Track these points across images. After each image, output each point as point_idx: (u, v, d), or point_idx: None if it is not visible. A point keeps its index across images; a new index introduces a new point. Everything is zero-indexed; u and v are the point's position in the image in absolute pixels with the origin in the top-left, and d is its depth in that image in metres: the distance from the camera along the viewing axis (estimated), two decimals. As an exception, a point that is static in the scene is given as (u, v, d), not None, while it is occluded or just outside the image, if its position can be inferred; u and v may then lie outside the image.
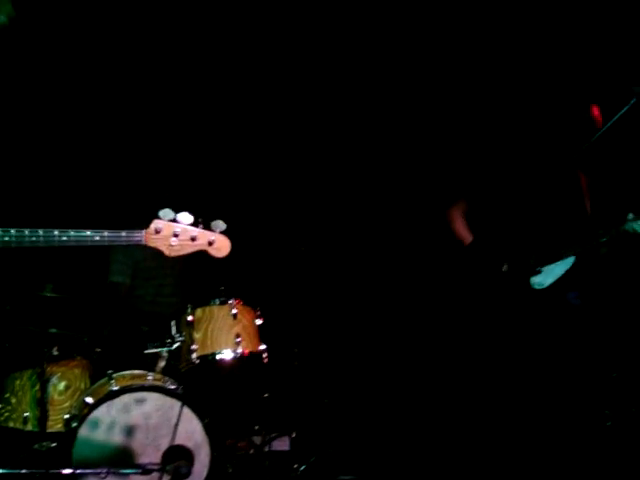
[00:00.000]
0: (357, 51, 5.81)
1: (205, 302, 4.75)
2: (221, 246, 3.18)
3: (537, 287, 4.17)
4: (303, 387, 5.44)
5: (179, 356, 4.69)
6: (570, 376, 4.07)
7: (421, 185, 5.93)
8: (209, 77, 5.81)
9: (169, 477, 4.08)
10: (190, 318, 4.68)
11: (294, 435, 5.13)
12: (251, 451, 5.12)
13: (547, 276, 4.14)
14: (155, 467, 4.04)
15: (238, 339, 4.60)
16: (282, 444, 5.22)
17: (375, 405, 5.65)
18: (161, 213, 3.10)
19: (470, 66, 5.71)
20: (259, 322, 4.81)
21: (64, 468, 3.93)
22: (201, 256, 5.22)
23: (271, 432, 5.16)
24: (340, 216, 5.97)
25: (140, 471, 4.00)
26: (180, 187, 5.35)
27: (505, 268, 4.27)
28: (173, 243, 3.11)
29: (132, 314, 5.23)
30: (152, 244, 3.12)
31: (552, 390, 4.13)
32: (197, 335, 4.63)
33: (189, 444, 4.19)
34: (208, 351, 4.59)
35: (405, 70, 5.85)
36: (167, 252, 3.14)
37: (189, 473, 4.08)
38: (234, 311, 4.67)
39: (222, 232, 3.18)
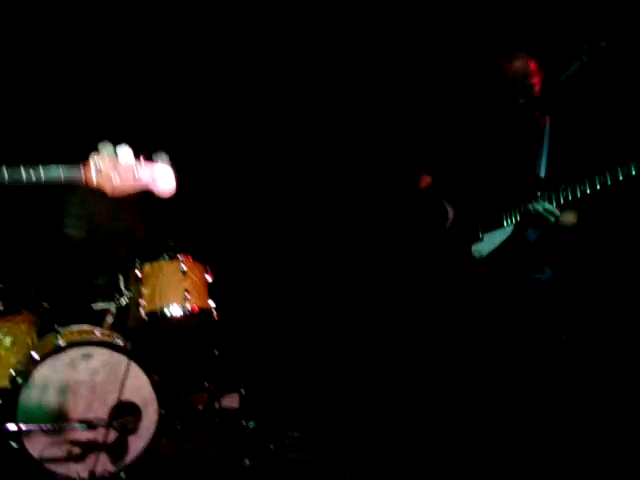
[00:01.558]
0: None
1: (154, 257, 4.70)
2: (165, 181, 3.01)
3: (476, 256, 3.96)
4: (253, 344, 5.44)
5: (127, 312, 4.65)
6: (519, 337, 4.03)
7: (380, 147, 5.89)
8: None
9: (116, 433, 4.08)
10: (138, 273, 4.63)
11: (243, 392, 5.14)
12: (200, 408, 5.12)
13: (487, 244, 3.94)
14: (101, 423, 4.03)
15: (187, 295, 4.56)
16: (231, 401, 5.22)
17: (323, 361, 5.67)
18: (101, 148, 2.92)
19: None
20: (209, 278, 4.77)
21: (9, 424, 3.91)
22: (151, 211, 5.25)
23: (220, 389, 5.16)
24: (292, 171, 5.91)
25: (86, 427, 3.98)
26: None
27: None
28: (116, 181, 2.92)
29: (83, 269, 5.17)
30: (93, 184, 2.91)
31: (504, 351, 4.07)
32: (145, 290, 4.58)
33: (137, 400, 4.17)
34: (156, 307, 4.54)
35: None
36: (110, 191, 2.95)
37: (135, 429, 4.08)
38: (183, 267, 4.63)
39: (165, 165, 3.01)
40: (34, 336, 4.55)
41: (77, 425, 3.99)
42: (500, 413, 4.05)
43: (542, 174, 3.90)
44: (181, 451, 4.58)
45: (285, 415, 5.11)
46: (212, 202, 5.68)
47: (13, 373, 4.28)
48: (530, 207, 3.74)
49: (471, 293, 4.01)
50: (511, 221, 3.86)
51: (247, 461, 4.42)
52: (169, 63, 5.74)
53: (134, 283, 4.64)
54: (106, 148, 2.92)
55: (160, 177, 2.97)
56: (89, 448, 4.07)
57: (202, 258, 4.82)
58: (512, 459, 4.01)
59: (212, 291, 4.77)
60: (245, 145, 5.86)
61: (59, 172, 2.87)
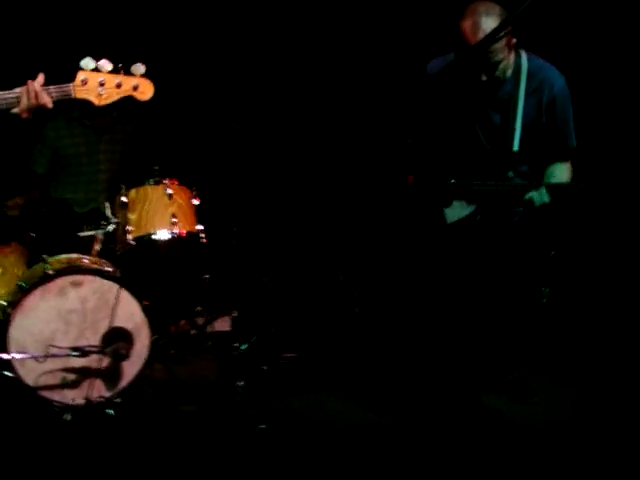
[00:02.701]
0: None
1: (139, 182, 4.64)
2: (145, 89, 3.20)
3: (447, 220, 3.88)
4: (243, 266, 5.44)
5: (114, 238, 4.61)
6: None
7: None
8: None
9: (109, 359, 4.09)
10: (124, 199, 4.57)
11: (235, 315, 5.15)
12: (192, 332, 5.14)
13: (454, 212, 3.85)
14: (94, 349, 4.03)
15: (174, 219, 4.51)
16: (223, 324, 5.23)
17: (313, 283, 5.68)
18: (82, 63, 3.09)
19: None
20: (196, 202, 4.72)
21: (1, 354, 3.91)
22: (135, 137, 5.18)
23: (212, 313, 5.17)
24: (277, 94, 5.82)
25: (79, 354, 3.98)
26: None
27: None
28: (101, 92, 3.13)
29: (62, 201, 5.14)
30: (81, 96, 3.12)
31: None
32: (132, 216, 4.53)
33: (128, 326, 4.17)
34: (144, 232, 4.50)
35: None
36: (97, 102, 3.15)
37: (128, 354, 4.09)
38: (169, 191, 4.57)
39: (143, 75, 3.20)
40: (24, 267, 4.52)
41: (70, 352, 3.98)
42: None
43: (516, 147, 3.76)
44: (175, 375, 4.61)
45: (277, 337, 5.13)
46: (196, 125, 5.61)
47: (3, 303, 4.27)
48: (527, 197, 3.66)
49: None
50: (476, 198, 3.79)
51: (240, 382, 4.44)
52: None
53: (120, 209, 4.59)
54: (87, 63, 3.09)
55: (140, 87, 3.19)
56: (83, 375, 4.08)
57: (188, 182, 4.76)
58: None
59: (200, 214, 4.74)
60: (228, 66, 5.74)
61: (52, 89, 3.07)
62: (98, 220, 4.68)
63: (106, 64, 3.12)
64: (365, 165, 5.51)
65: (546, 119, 3.78)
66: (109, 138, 5.18)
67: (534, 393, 4.30)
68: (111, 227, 4.58)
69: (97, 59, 3.12)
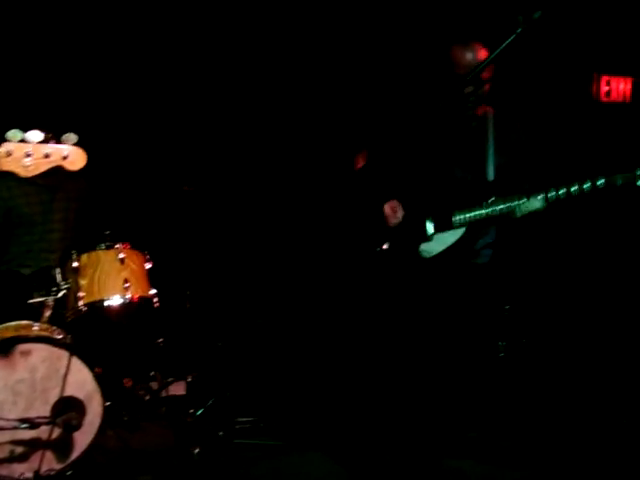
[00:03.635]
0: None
1: (90, 247, 4.58)
2: (76, 158, 3.15)
3: (425, 255, 3.97)
4: (197, 330, 5.37)
5: (66, 304, 4.53)
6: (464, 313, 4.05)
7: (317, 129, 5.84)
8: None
9: (59, 429, 3.97)
10: (75, 264, 4.50)
11: (190, 379, 5.06)
12: (147, 397, 5.04)
13: (437, 244, 3.95)
14: (43, 420, 3.91)
15: (127, 284, 4.46)
16: (178, 389, 5.15)
17: (269, 346, 5.63)
18: (9, 135, 3.03)
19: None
20: (148, 266, 4.68)
21: (-55, 426, 3.78)
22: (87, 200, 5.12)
23: (166, 377, 5.08)
24: (227, 154, 5.83)
25: (28, 425, 3.86)
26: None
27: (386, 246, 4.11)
28: (27, 163, 3.07)
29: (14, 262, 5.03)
30: (6, 168, 3.05)
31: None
32: (83, 282, 4.46)
33: (80, 395, 4.06)
34: (95, 298, 4.44)
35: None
36: (23, 173, 3.09)
37: (80, 424, 3.98)
38: (121, 255, 4.52)
39: (75, 144, 3.15)
40: (-31, 334, 4.40)
41: (18, 424, 3.86)
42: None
43: (490, 177, 3.91)
44: (128, 443, 4.50)
45: (233, 401, 5.06)
46: (147, 188, 5.58)
47: (-52, 373, 4.14)
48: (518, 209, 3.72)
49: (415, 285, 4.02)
50: (463, 223, 3.87)
51: (196, 449, 4.35)
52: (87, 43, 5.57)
53: (71, 274, 4.51)
54: (14, 135, 3.04)
55: (70, 157, 3.14)
56: (33, 447, 3.95)
57: (140, 245, 4.71)
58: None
59: (152, 278, 4.68)
60: (178, 129, 5.75)
61: None
62: (48, 286, 4.58)
63: (35, 135, 3.07)
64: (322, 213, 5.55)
65: (515, 152, 3.96)
66: (63, 196, 5.10)
67: (497, 451, 4.27)
68: (61, 293, 4.49)
69: (27, 129, 3.07)
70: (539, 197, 3.70)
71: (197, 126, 5.78)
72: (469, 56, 3.87)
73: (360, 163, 4.26)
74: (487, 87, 3.94)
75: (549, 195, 3.69)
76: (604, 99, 5.65)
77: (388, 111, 4.44)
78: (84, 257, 4.54)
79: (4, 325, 4.21)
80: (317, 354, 5.51)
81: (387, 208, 4.11)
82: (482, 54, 3.87)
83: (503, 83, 4.13)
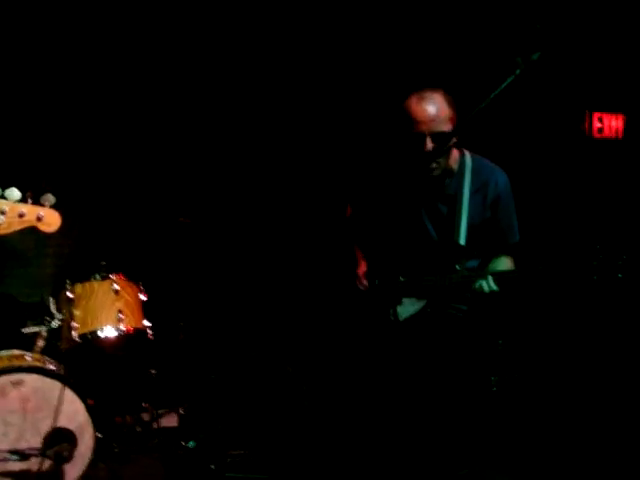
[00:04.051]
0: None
1: (85, 278, 4.59)
2: (50, 221, 3.12)
3: (399, 318, 3.86)
4: (190, 362, 5.36)
5: (59, 335, 4.52)
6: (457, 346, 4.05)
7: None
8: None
9: (50, 461, 3.95)
10: (70, 295, 4.51)
11: (182, 411, 5.05)
12: (139, 429, 5.02)
13: (406, 308, 3.85)
14: (34, 452, 3.90)
15: (121, 315, 4.47)
16: (170, 420, 5.13)
17: (262, 379, 5.61)
18: None
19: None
20: (143, 297, 4.68)
21: None
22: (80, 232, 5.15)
23: (159, 409, 5.06)
24: (222, 187, 5.86)
25: (18, 457, 3.85)
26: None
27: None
28: (0, 221, 3.02)
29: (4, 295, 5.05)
30: None
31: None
32: (77, 312, 4.47)
33: (71, 426, 4.05)
34: (89, 329, 4.44)
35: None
36: None
37: (71, 456, 3.97)
38: (116, 286, 4.53)
39: (52, 206, 3.12)
40: (-38, 363, 4.39)
41: (8, 455, 3.84)
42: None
43: (462, 241, 3.77)
44: (119, 475, 4.47)
45: (225, 434, 5.03)
46: (142, 219, 5.60)
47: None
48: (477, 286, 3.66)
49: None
50: (426, 292, 3.79)
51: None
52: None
53: (65, 305, 4.52)
54: None
55: (45, 218, 3.10)
56: (23, 479, 3.93)
57: (135, 277, 4.72)
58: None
59: (146, 309, 4.68)
60: (174, 162, 5.78)
61: None
62: (42, 316, 4.58)
63: (13, 193, 3.04)
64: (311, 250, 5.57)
65: (490, 215, 3.83)
66: (58, 233, 5.12)
67: None
68: (55, 323, 4.49)
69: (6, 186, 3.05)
70: (490, 279, 3.67)
71: (193, 159, 5.81)
72: (427, 112, 3.53)
73: (349, 211, 4.23)
74: (454, 141, 3.63)
75: (500, 277, 3.67)
76: (596, 135, 5.69)
77: (367, 165, 4.29)
78: (78, 287, 4.55)
79: (-4, 354, 4.21)
80: (309, 389, 5.49)
81: (360, 273, 4.05)
82: (443, 107, 3.57)
83: (486, 125, 4.06)
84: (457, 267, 3.79)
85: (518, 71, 3.55)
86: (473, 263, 3.91)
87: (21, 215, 3.05)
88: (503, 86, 3.56)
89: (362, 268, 4.09)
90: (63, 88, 5.49)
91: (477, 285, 3.65)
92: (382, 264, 3.99)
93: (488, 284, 3.64)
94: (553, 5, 5.19)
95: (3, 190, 3.03)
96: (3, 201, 3.03)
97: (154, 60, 5.63)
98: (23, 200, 3.06)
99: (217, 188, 5.82)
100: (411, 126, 3.55)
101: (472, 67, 4.49)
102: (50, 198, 3.09)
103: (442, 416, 4.06)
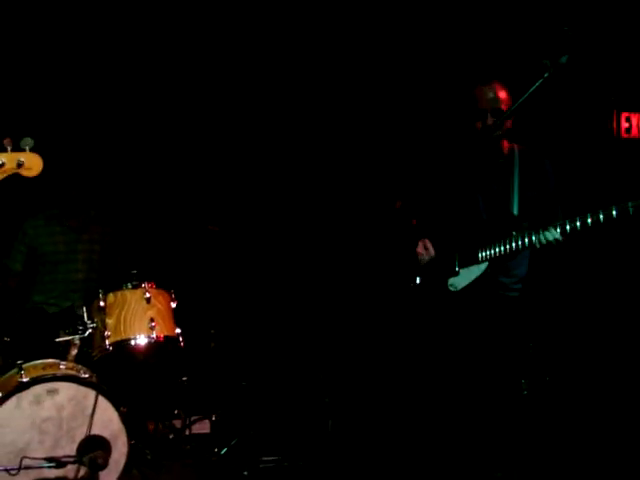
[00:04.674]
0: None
1: (117, 286, 4.61)
2: (32, 164, 3.04)
3: (451, 289, 4.07)
4: (221, 369, 5.38)
5: (92, 343, 4.55)
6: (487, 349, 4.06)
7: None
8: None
9: (85, 468, 3.98)
10: (102, 303, 4.54)
11: (214, 418, 5.07)
12: (171, 436, 5.04)
13: (462, 278, 4.04)
14: (70, 459, 3.93)
15: (152, 323, 4.48)
16: (202, 427, 5.15)
17: (293, 384, 5.62)
18: None
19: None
20: (174, 305, 4.70)
21: (-27, 466, 3.80)
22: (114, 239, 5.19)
23: (191, 415, 5.09)
24: (252, 194, 5.89)
25: (54, 464, 3.88)
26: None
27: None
28: None
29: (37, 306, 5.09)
30: None
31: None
32: (110, 321, 4.50)
33: (105, 433, 4.07)
34: (122, 337, 4.46)
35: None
36: None
37: (105, 463, 3.99)
38: (147, 295, 4.55)
39: (31, 150, 3.05)
40: (-4, 373, 4.45)
41: (45, 463, 3.88)
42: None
43: (515, 211, 3.99)
44: (153, 481, 4.51)
45: (258, 440, 5.05)
46: (172, 228, 5.63)
47: (-25, 412, 4.18)
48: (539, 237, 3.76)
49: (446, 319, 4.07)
50: (486, 258, 3.94)
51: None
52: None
53: (98, 313, 4.55)
54: None
55: (26, 163, 3.02)
56: (59, 486, 3.98)
57: (166, 285, 4.75)
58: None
59: (177, 317, 4.70)
60: (202, 169, 5.82)
61: None
62: (75, 325, 4.61)
63: None
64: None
65: (538, 192, 4.04)
66: (87, 238, 5.19)
67: None
68: (88, 332, 4.52)
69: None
70: (557, 229, 3.74)
71: (221, 167, 5.84)
72: (490, 94, 4.04)
73: (398, 204, 4.38)
74: (509, 123, 4.03)
75: (566, 227, 3.73)
76: (624, 135, 5.68)
77: (419, 153, 4.55)
78: (110, 296, 4.58)
79: (31, 363, 4.25)
80: (343, 393, 5.49)
81: (419, 246, 4.22)
82: (502, 92, 4.05)
83: (527, 121, 4.21)
84: (514, 234, 3.90)
85: (547, 74, 3.63)
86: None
87: (1, 165, 2.98)
88: (532, 89, 3.68)
89: (424, 242, 4.25)
90: (95, 101, 5.57)
91: (542, 237, 3.74)
92: (440, 240, 4.18)
93: (552, 234, 3.73)
94: (581, 7, 5.19)
95: None
96: None
97: (188, 73, 5.70)
98: (2, 150, 2.99)
99: (245, 195, 5.84)
100: (476, 104, 4.05)
101: (502, 70, 4.57)
102: (29, 141, 3.02)
103: (476, 415, 4.09)
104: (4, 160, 2.98)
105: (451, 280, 4.06)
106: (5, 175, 3.00)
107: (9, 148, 3.00)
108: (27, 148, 3.03)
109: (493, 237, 3.94)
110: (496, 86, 4.08)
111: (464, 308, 4.05)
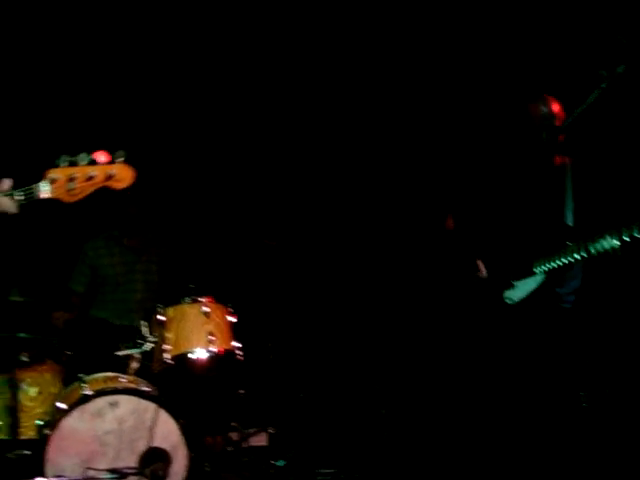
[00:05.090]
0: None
1: (176, 301, 4.67)
2: (122, 176, 3.02)
3: (508, 302, 4.07)
4: (279, 382, 5.41)
5: (152, 357, 4.62)
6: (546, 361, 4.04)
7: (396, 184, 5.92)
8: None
9: (147, 480, 4.05)
10: (161, 317, 4.60)
11: (272, 430, 5.10)
12: (229, 448, 5.08)
13: (519, 291, 4.04)
14: (132, 471, 4.00)
15: (211, 337, 4.53)
16: (260, 440, 5.18)
17: (351, 397, 5.62)
18: (59, 161, 2.96)
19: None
20: (232, 319, 4.75)
21: (37, 476, 3.88)
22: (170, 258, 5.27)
23: (248, 428, 5.12)
24: (308, 210, 5.92)
25: (117, 476, 3.95)
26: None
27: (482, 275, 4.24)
28: (71, 188, 2.95)
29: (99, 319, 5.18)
30: (54, 195, 2.96)
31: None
32: (169, 335, 4.55)
33: (166, 446, 4.14)
34: (181, 351, 4.51)
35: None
36: (67, 198, 2.98)
37: (166, 475, 4.05)
38: (206, 309, 4.59)
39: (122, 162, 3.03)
40: (59, 385, 4.54)
41: (108, 475, 3.95)
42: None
43: (570, 222, 3.99)
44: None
45: (315, 452, 5.06)
46: (229, 242, 5.69)
47: (40, 423, 4.27)
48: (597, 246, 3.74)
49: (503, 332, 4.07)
50: (542, 270, 3.92)
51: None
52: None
53: (157, 328, 4.61)
54: (63, 160, 2.96)
55: (117, 175, 3.01)
56: (120, 498, 4.04)
57: (224, 299, 4.80)
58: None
59: (235, 331, 4.75)
60: (261, 185, 5.87)
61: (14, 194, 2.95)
62: (134, 339, 4.69)
63: (82, 157, 2.96)
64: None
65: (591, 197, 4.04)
66: (146, 259, 5.27)
67: None
68: (148, 346, 4.58)
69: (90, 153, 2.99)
70: (613, 235, 3.70)
71: (281, 182, 5.89)
72: (544, 109, 4.08)
73: (450, 223, 4.39)
74: (562, 137, 4.02)
75: (623, 234, 3.69)
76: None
77: (471, 171, 4.59)
78: (170, 311, 4.63)
79: (93, 377, 4.34)
80: (398, 406, 5.48)
81: (480, 262, 4.24)
82: (555, 106, 4.10)
83: (580, 134, 4.18)
84: (569, 244, 3.86)
85: (604, 84, 3.59)
86: None
87: (89, 178, 2.97)
88: (590, 100, 3.63)
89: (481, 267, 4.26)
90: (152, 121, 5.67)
91: (598, 245, 3.68)
92: (495, 252, 4.20)
93: (608, 241, 3.66)
94: (634, 15, 5.12)
95: (73, 157, 2.97)
96: (70, 168, 2.96)
97: (246, 91, 5.77)
98: (93, 163, 2.98)
99: (302, 210, 5.88)
100: (530, 120, 4.10)
101: (558, 81, 4.57)
102: (120, 154, 3.01)
103: (532, 427, 4.06)
104: (94, 173, 2.99)
105: (507, 293, 4.05)
106: (95, 188, 3.01)
107: (102, 159, 3.00)
108: (117, 161, 3.02)
109: (549, 249, 3.92)
110: (550, 101, 4.12)
111: (521, 320, 4.04)
